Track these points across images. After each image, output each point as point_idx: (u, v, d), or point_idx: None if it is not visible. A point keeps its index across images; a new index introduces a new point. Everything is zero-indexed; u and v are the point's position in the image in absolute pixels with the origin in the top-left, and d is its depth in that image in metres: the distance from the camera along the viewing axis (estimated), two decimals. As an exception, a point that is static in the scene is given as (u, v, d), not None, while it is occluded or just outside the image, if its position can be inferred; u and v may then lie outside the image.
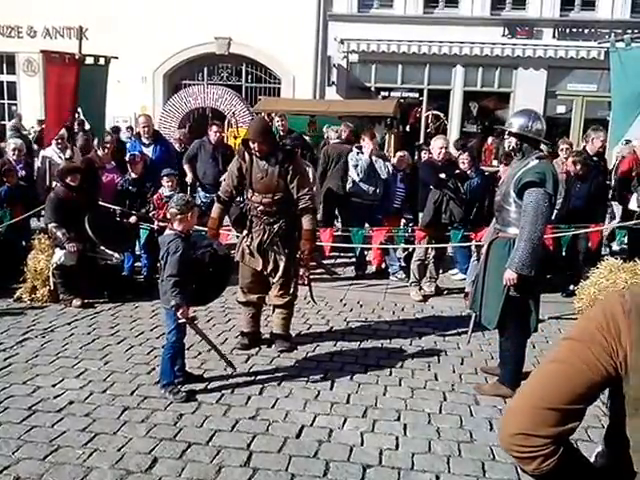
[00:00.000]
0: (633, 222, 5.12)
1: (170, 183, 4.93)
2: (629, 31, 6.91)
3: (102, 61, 5.70)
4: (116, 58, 5.90)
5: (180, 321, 2.92)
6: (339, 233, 5.41)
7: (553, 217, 4.95)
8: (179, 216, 2.96)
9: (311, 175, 5.02)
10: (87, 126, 6.64)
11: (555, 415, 0.88)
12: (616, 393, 0.90)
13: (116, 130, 8.43)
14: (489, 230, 3.38)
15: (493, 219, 3.29)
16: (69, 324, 3.99)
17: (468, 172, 4.93)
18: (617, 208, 6.07)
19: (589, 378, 0.88)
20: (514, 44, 10.79)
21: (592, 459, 1.03)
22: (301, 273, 3.78)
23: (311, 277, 4.31)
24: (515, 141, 3.06)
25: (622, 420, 0.89)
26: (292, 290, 3.61)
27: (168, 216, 3.15)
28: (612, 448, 0.95)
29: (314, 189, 4.95)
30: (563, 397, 0.89)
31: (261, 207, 3.46)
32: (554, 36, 10.90)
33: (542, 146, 3.23)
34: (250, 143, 3.40)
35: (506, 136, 3.16)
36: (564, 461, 0.90)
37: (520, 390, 0.97)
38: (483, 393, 3.13)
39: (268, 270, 3.54)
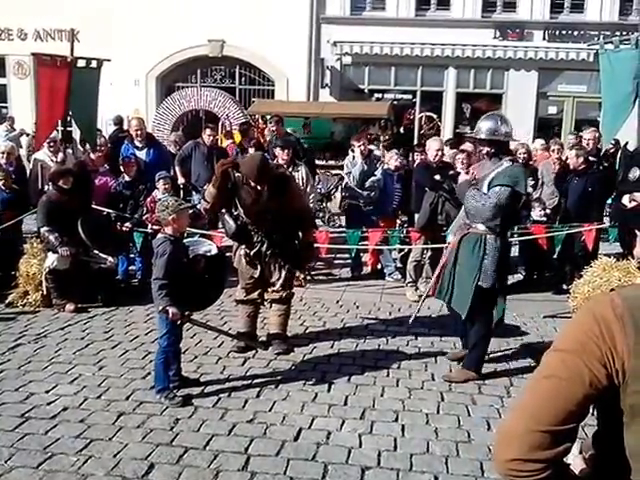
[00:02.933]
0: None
1: (165, 186, 4.90)
2: (617, 33, 6.99)
3: (94, 64, 5.64)
4: (108, 61, 5.85)
5: (178, 323, 2.90)
6: (335, 235, 5.41)
7: (550, 213, 5.07)
8: (167, 219, 2.95)
9: (304, 174, 5.04)
10: (76, 135, 6.51)
11: (549, 437, 0.86)
12: (605, 402, 0.87)
13: (119, 121, 8.14)
14: (457, 222, 3.46)
15: (461, 211, 3.36)
16: (62, 329, 3.95)
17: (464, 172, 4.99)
18: None
19: (581, 392, 0.86)
20: (505, 46, 10.86)
21: (577, 463, 1.01)
22: (297, 274, 3.79)
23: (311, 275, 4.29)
24: (487, 147, 3.14)
25: (613, 427, 0.87)
26: (290, 283, 3.61)
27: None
28: (602, 453, 0.93)
29: (309, 187, 5.03)
30: (556, 416, 0.86)
31: (256, 224, 3.48)
32: (544, 38, 10.99)
33: (512, 147, 3.31)
34: (250, 181, 3.38)
35: (478, 143, 3.22)
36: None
37: (513, 409, 0.95)
38: (452, 381, 3.23)
39: (273, 279, 3.55)
